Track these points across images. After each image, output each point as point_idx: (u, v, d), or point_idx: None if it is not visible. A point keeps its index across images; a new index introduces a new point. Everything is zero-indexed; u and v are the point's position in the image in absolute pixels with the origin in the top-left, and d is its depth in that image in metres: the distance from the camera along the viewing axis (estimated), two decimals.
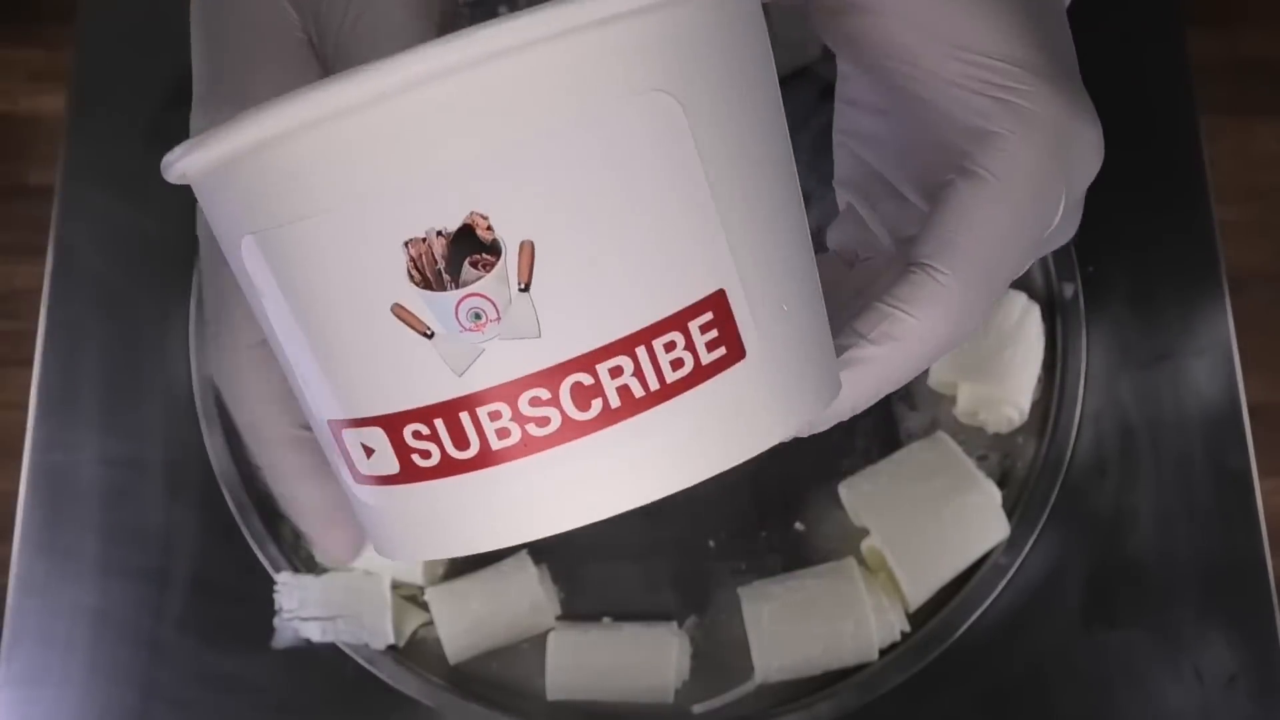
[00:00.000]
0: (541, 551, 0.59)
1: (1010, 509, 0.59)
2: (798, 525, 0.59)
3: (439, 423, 0.22)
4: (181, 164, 0.24)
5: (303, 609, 0.57)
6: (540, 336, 0.22)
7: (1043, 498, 0.59)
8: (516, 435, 0.22)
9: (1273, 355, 1.18)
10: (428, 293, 0.21)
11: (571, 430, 0.22)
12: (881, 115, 0.31)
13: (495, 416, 0.22)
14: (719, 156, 0.23)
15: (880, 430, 0.60)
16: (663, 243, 0.22)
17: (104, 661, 0.58)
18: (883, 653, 0.57)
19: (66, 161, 0.64)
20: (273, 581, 0.57)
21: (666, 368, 0.22)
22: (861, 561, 0.58)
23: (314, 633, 0.57)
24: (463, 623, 0.57)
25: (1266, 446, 0.63)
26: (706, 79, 0.22)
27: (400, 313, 0.22)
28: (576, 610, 0.59)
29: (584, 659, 0.56)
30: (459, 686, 0.57)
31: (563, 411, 0.22)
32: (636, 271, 0.22)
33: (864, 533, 0.58)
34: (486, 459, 0.22)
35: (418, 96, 0.21)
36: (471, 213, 0.21)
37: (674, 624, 0.57)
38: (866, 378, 0.27)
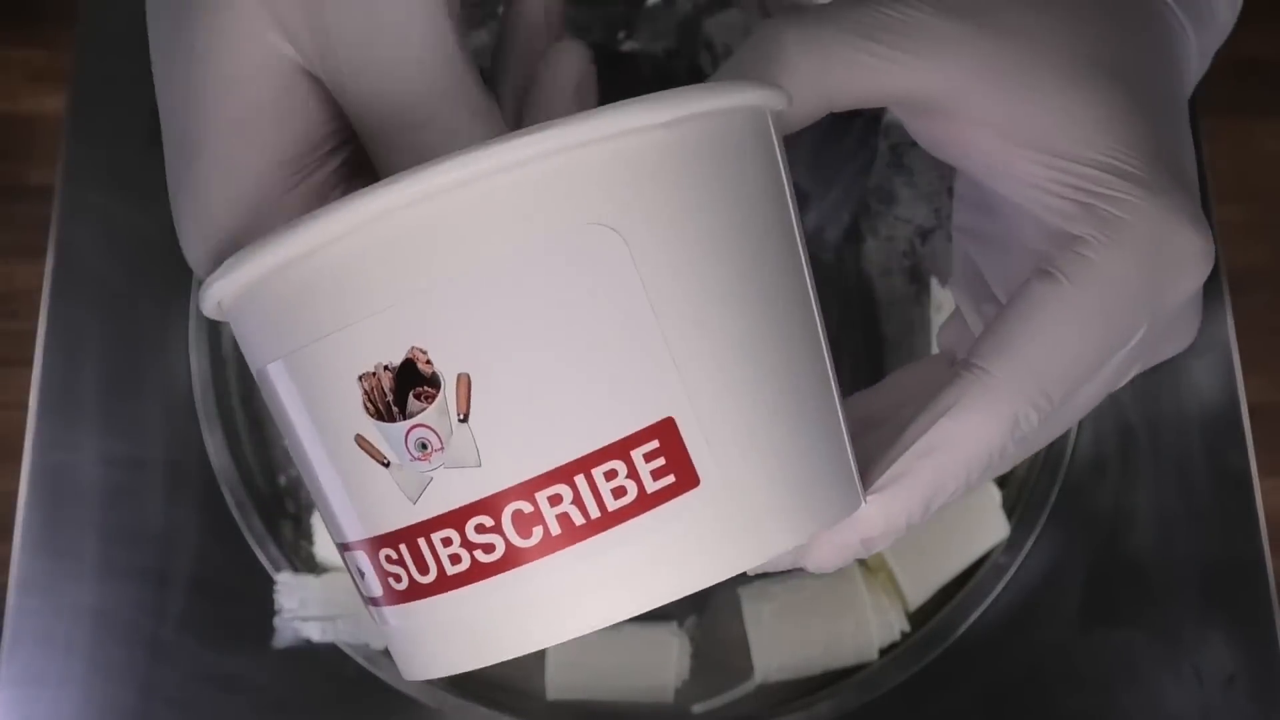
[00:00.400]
0: None
1: (1010, 509, 0.59)
2: None
3: (403, 548, 0.23)
4: (215, 296, 0.25)
5: (303, 609, 0.57)
6: (480, 465, 0.22)
7: (1042, 497, 0.59)
8: (466, 562, 0.23)
9: (1273, 355, 1.18)
10: (380, 423, 0.23)
11: (514, 557, 0.23)
12: (986, 213, 0.29)
13: (447, 543, 0.23)
14: (667, 287, 0.22)
15: None
16: (602, 373, 0.22)
17: (104, 661, 0.58)
18: (883, 653, 0.57)
19: (66, 161, 0.64)
20: (273, 581, 0.57)
21: (608, 496, 0.22)
22: (861, 561, 0.58)
23: (314, 633, 0.57)
24: None
25: (1266, 446, 0.63)
26: (652, 211, 0.22)
27: (361, 442, 0.23)
28: None
29: (584, 659, 0.56)
30: (459, 686, 0.57)
31: (505, 538, 0.23)
32: (573, 401, 0.22)
33: None
34: (443, 584, 0.23)
35: (362, 237, 0.22)
36: (412, 347, 0.22)
37: (674, 624, 0.57)
38: (913, 491, 0.26)
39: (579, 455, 0.22)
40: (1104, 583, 0.58)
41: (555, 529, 0.22)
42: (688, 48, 0.67)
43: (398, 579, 0.24)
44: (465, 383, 0.22)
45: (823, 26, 0.26)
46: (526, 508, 0.22)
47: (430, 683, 0.57)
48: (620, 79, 0.67)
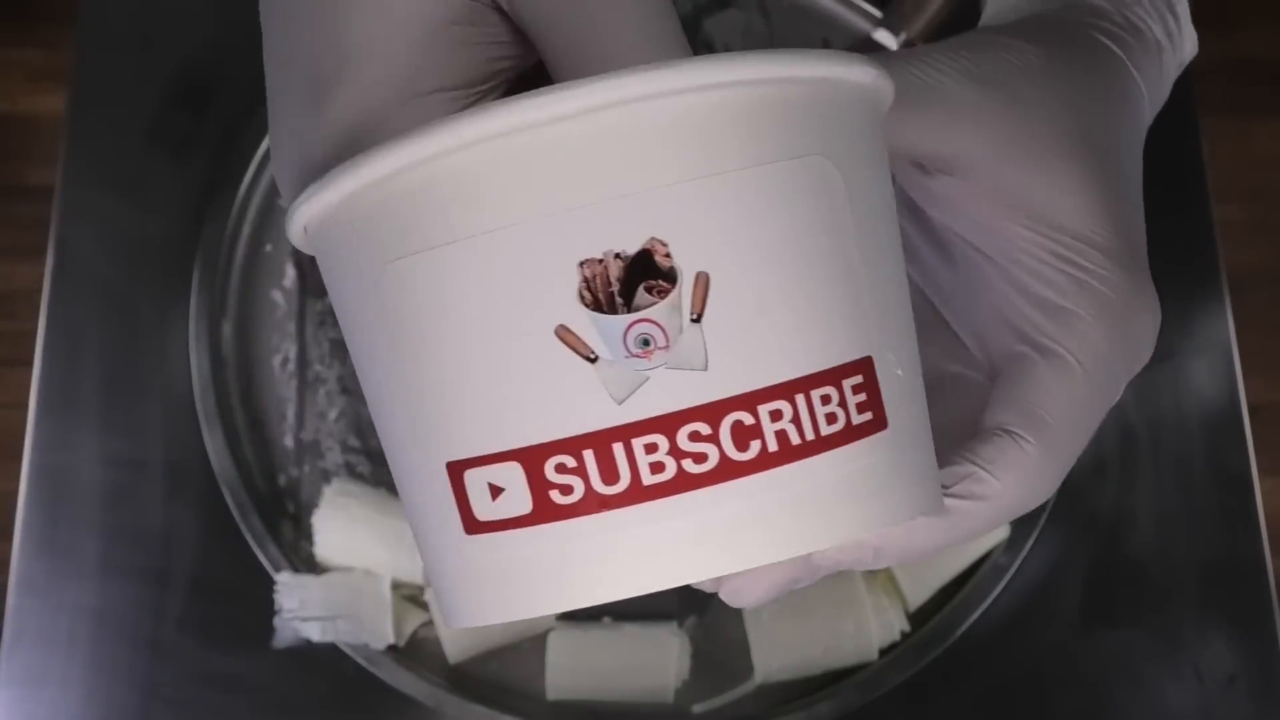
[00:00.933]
0: None
1: None
2: None
3: (589, 454, 0.21)
4: (335, 188, 0.23)
5: (303, 609, 0.57)
6: (707, 370, 0.21)
7: None
8: (671, 470, 0.21)
9: (1272, 355, 1.18)
10: (598, 315, 0.21)
11: (728, 470, 0.21)
12: (944, 262, 0.31)
13: (651, 449, 0.21)
14: (866, 232, 0.23)
15: None
16: (823, 298, 0.22)
17: (104, 661, 0.58)
18: (883, 653, 0.57)
19: (66, 161, 0.64)
20: (273, 581, 0.57)
21: (822, 420, 0.22)
22: None
23: (314, 633, 0.57)
24: None
25: (1266, 446, 0.63)
26: (858, 157, 0.23)
27: (564, 334, 0.21)
28: (576, 610, 0.59)
29: (584, 659, 0.56)
30: (459, 686, 0.57)
31: (721, 449, 0.21)
32: (801, 320, 0.22)
33: None
34: (636, 495, 0.21)
35: (610, 117, 0.21)
36: (651, 238, 0.21)
37: (674, 624, 0.57)
38: (941, 528, 0.27)
39: (803, 374, 0.22)
40: (1104, 583, 0.58)
41: (773, 445, 0.22)
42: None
43: (566, 490, 0.22)
44: (704, 281, 0.21)
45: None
46: (748, 419, 0.21)
47: (430, 683, 0.57)
48: None
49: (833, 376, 0.22)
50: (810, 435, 0.22)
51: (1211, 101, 0.61)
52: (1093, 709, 0.57)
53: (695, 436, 0.21)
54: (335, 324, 0.62)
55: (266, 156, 0.66)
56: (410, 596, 0.58)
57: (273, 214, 0.63)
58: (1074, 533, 0.59)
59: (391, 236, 0.22)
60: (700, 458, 0.21)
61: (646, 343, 0.21)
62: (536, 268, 0.21)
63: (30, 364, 0.63)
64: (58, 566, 0.59)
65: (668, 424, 0.21)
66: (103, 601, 0.59)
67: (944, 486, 0.27)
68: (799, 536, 0.22)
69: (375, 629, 0.56)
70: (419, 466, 0.24)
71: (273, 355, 0.62)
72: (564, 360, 0.21)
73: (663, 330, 0.21)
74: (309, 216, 0.24)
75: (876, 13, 0.65)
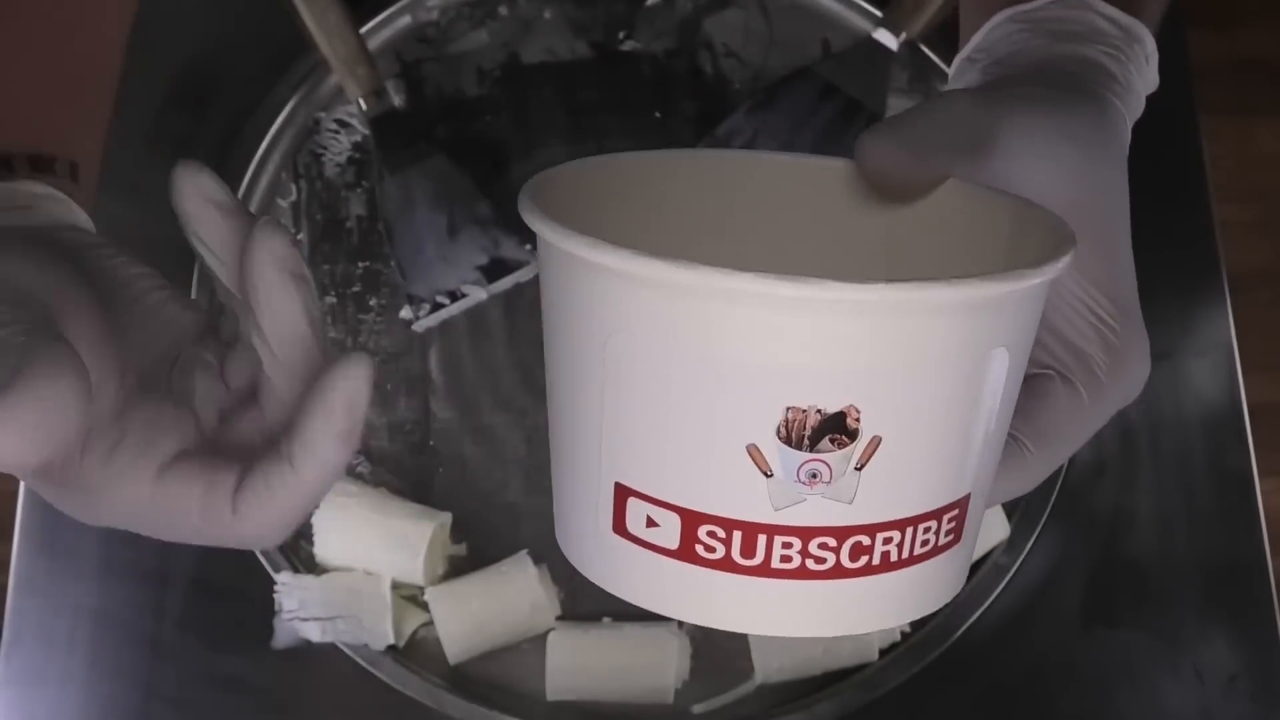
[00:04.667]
0: (542, 551, 0.59)
1: (1010, 509, 0.59)
2: None
3: (737, 534, 0.28)
4: (595, 256, 0.27)
5: (303, 609, 0.57)
6: (851, 503, 0.27)
7: (1043, 498, 0.59)
8: (795, 563, 0.28)
9: (1273, 355, 1.17)
10: (785, 447, 0.26)
11: (839, 572, 0.28)
12: None
13: (787, 546, 0.27)
14: (1009, 394, 0.29)
15: None
16: (959, 458, 0.28)
17: (104, 661, 0.58)
18: (883, 653, 0.57)
19: None
20: (273, 581, 0.57)
21: (919, 545, 0.28)
22: None
23: (314, 633, 0.57)
24: (463, 623, 0.56)
25: (1267, 446, 0.63)
26: (1027, 336, 0.29)
27: (754, 452, 0.27)
28: (576, 610, 0.59)
29: (584, 659, 0.56)
30: (459, 686, 0.57)
31: (838, 559, 0.28)
32: (935, 473, 0.28)
33: None
34: (764, 572, 0.28)
35: (856, 318, 0.26)
36: (851, 404, 0.26)
37: (674, 624, 0.57)
38: None
39: (919, 513, 0.28)
40: (1104, 583, 0.58)
41: (877, 560, 0.28)
42: (688, 47, 0.67)
43: (710, 549, 0.28)
44: (875, 443, 0.27)
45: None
46: (866, 541, 0.28)
47: (430, 683, 0.57)
48: (620, 79, 0.67)
49: (938, 513, 0.28)
50: (907, 554, 0.28)
51: (1212, 101, 0.61)
52: (1093, 709, 0.57)
53: (823, 546, 0.28)
54: (335, 324, 0.62)
55: (267, 157, 0.66)
56: (410, 597, 0.58)
57: (272, 214, 0.63)
58: (1074, 533, 0.59)
59: (644, 318, 0.27)
60: (820, 560, 0.28)
61: (814, 475, 0.27)
62: (750, 397, 0.26)
63: None
64: (57, 566, 0.59)
65: (807, 533, 0.27)
66: (102, 601, 0.59)
67: None
68: (875, 617, 0.29)
69: (375, 629, 0.56)
70: (590, 470, 0.30)
71: None
72: (745, 468, 0.27)
73: (830, 470, 0.27)
74: (590, 250, 0.27)
75: (877, 12, 0.65)
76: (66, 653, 0.58)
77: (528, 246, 0.63)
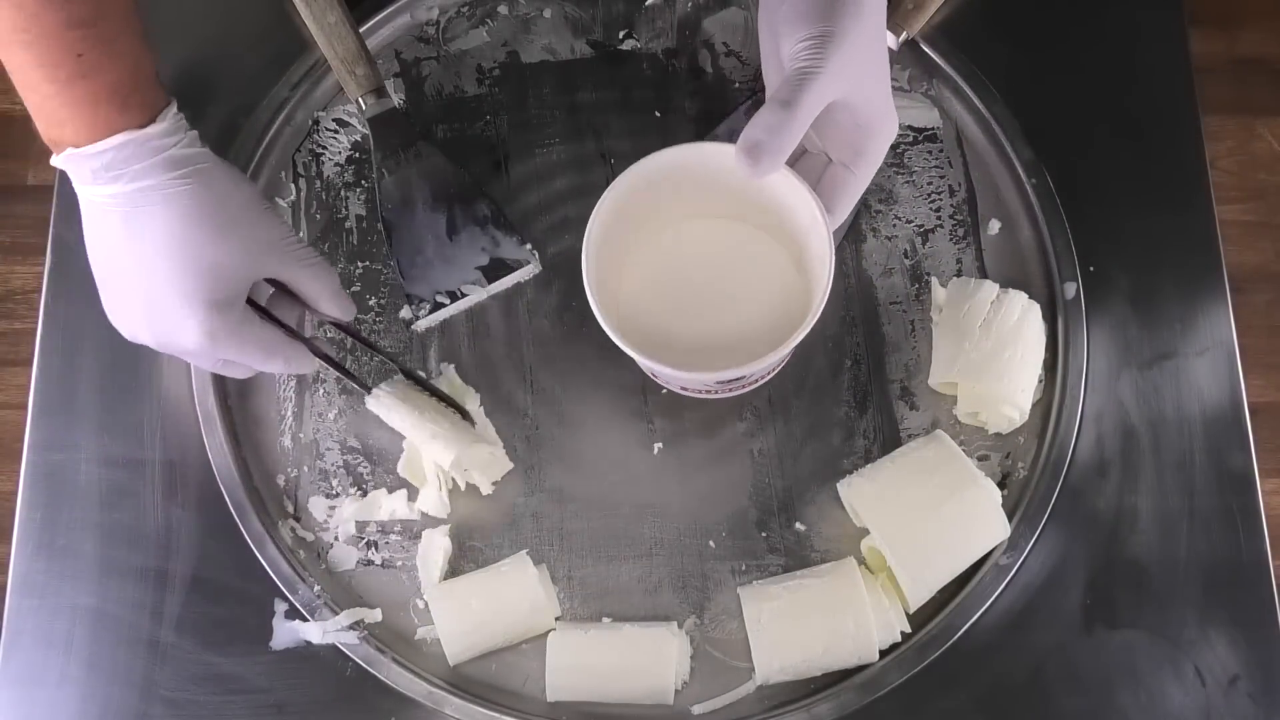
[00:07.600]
0: (542, 552, 0.59)
1: (1011, 509, 0.59)
2: (798, 525, 0.59)
3: None
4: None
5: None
6: None
7: (1044, 498, 0.59)
8: None
9: (1274, 355, 1.17)
10: None
11: None
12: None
13: None
14: None
15: (881, 431, 0.60)
16: None
17: (103, 661, 0.58)
18: (883, 653, 0.57)
19: None
20: (273, 581, 0.58)
21: None
22: (861, 561, 0.57)
23: (314, 633, 0.57)
24: (463, 623, 0.56)
25: (1268, 446, 0.63)
26: None
27: None
28: (576, 610, 0.58)
29: (584, 659, 0.56)
30: (459, 687, 0.57)
31: None
32: None
33: (864, 533, 0.58)
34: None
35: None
36: None
37: (674, 624, 0.57)
38: (795, 114, 0.49)
39: None
40: (1105, 583, 0.58)
41: None
42: (687, 46, 0.67)
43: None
44: None
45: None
46: None
47: (430, 683, 0.57)
48: (620, 78, 0.67)
49: None
50: None
51: (1214, 101, 0.61)
52: (1093, 709, 0.56)
53: None
54: (335, 324, 0.62)
55: (266, 156, 0.66)
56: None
57: None
58: (1075, 533, 0.59)
59: None
60: None
61: None
62: None
63: (28, 364, 0.63)
64: (56, 567, 0.59)
65: None
66: (102, 601, 0.59)
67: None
68: None
69: (430, 499, 0.59)
70: None
71: None
72: None
73: None
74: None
75: None
76: (65, 653, 0.58)
77: (528, 246, 0.63)
